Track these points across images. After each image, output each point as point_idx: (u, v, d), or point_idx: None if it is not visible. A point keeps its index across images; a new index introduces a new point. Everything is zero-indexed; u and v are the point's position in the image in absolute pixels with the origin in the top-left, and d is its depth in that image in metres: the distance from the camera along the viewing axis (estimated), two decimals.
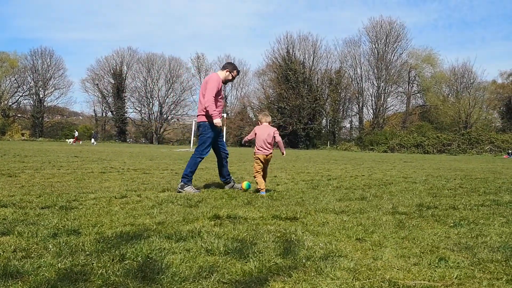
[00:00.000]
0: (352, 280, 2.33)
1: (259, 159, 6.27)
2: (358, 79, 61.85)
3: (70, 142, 44.63)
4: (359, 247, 3.07)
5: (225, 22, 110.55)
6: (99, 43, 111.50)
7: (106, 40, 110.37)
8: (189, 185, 6.18)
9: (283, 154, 6.71)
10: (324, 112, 59.95)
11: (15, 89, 67.79)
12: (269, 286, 2.24)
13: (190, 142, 46.42)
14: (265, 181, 6.35)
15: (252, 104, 66.01)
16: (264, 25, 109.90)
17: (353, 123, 64.86)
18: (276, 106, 57.31)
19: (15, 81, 67.33)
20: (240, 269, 2.49)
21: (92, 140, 48.12)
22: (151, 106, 70.98)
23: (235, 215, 4.17)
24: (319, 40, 69.68)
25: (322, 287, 2.21)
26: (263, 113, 6.65)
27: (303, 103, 55.51)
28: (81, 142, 45.81)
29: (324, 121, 61.37)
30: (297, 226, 3.75)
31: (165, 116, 71.45)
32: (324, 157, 23.05)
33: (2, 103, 65.96)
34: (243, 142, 7.16)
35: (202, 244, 3.00)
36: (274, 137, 6.34)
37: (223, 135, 6.72)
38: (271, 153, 6.35)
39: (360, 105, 62.17)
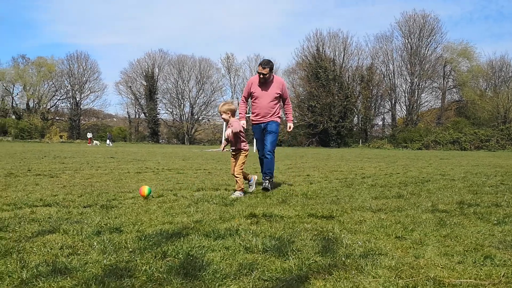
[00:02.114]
0: (394, 278, 2.30)
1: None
2: (390, 75, 60.76)
3: (108, 144, 45.71)
4: (399, 245, 3.03)
5: (254, 22, 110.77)
6: (132, 46, 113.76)
7: (138, 43, 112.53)
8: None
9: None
10: (355, 110, 59.21)
11: (53, 93, 70.04)
12: (310, 284, 2.24)
13: (221, 142, 46.80)
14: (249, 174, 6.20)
15: None
16: (293, 24, 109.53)
17: (385, 120, 63.84)
18: (306, 105, 57.00)
19: (53, 85, 69.59)
20: (280, 267, 2.50)
21: (108, 141, 49.13)
22: (182, 107, 71.90)
23: (271, 213, 4.18)
24: (349, 36, 68.66)
25: (365, 285, 2.19)
26: (234, 104, 6.06)
27: (334, 101, 54.98)
28: (94, 143, 46.80)
29: (355, 119, 60.63)
30: (334, 224, 3.72)
31: (196, 116, 72.20)
32: (356, 155, 22.79)
33: (41, 107, 68.27)
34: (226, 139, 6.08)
35: (241, 242, 3.02)
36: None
37: (273, 140, 6.59)
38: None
39: (393, 102, 61.06)
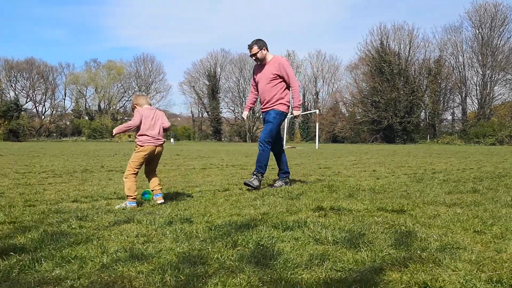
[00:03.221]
0: (476, 271, 2.17)
1: (147, 152, 4.69)
2: (460, 67, 57.70)
3: (171, 142, 47.28)
4: (479, 239, 2.86)
5: (315, 18, 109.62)
6: (195, 47, 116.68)
7: (201, 43, 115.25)
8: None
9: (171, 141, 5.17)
10: (422, 105, 56.85)
11: (122, 94, 73.46)
12: (385, 275, 2.17)
13: (283, 140, 46.79)
14: (159, 184, 4.86)
15: (344, 99, 64.71)
16: (355, 18, 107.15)
17: (455, 115, 60.68)
18: (370, 100, 55.58)
19: (122, 86, 73.00)
20: (352, 258, 2.45)
21: (171, 140, 50.62)
22: (243, 105, 72.67)
23: (339, 207, 4.11)
24: (415, 29, 66.24)
25: (444, 278, 2.09)
26: (140, 95, 5.19)
27: (399, 96, 53.15)
28: None
29: (422, 114, 58.22)
30: (406, 218, 3.59)
31: (257, 114, 72.73)
32: (424, 151, 21.90)
33: (111, 108, 71.88)
34: (114, 134, 5.06)
35: (310, 234, 2.99)
36: (163, 123, 4.88)
37: (267, 128, 5.94)
38: (162, 144, 4.88)
39: (463, 95, 57.93)
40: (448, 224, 3.34)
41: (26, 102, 68.75)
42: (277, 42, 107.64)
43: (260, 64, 6.03)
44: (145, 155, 4.67)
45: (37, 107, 71.49)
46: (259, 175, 5.86)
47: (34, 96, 70.56)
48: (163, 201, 4.67)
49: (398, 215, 3.75)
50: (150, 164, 4.83)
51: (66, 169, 9.13)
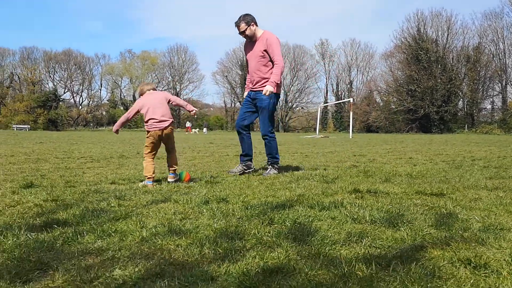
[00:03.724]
0: None
1: (153, 137, 4.76)
2: (500, 54, 55.58)
3: (204, 132, 47.83)
4: None
5: (349, 5, 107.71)
6: (228, 36, 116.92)
7: (234, 33, 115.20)
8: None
9: (192, 111, 5.08)
10: (460, 93, 55.19)
11: (156, 84, 74.53)
12: (426, 252, 2.12)
13: (315, 129, 46.45)
14: (173, 165, 4.92)
15: (379, 88, 63.56)
16: (390, 5, 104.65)
17: (495, 104, 58.61)
18: (405, 89, 54.36)
19: (156, 76, 74.25)
20: (391, 236, 2.40)
21: (204, 129, 51.10)
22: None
23: (376, 189, 4.04)
24: (453, 15, 64.18)
25: (488, 256, 2.02)
26: (142, 83, 5.18)
27: (436, 84, 51.74)
28: (193, 131, 48.77)
29: (460, 103, 56.53)
30: (446, 201, 3.49)
31: (290, 104, 72.44)
32: (462, 140, 21.28)
33: None
34: (114, 131, 5.30)
35: (347, 213, 2.96)
36: (170, 100, 4.91)
37: (264, 120, 5.67)
38: (170, 125, 4.82)
39: (503, 84, 55.82)
40: (490, 207, 3.23)
41: (64, 93, 71.00)
42: (309, 30, 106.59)
43: (251, 41, 5.63)
44: (152, 139, 4.78)
45: (75, 98, 73.65)
46: (275, 165, 5.77)
47: (72, 86, 72.73)
48: (172, 180, 4.80)
49: (437, 198, 3.66)
50: (165, 146, 4.97)
51: (103, 155, 9.36)
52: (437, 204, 3.34)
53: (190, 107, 5.09)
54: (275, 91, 5.46)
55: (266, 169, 5.84)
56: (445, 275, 1.81)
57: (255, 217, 2.87)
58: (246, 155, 5.86)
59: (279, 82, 5.47)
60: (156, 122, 4.73)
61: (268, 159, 5.82)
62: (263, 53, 5.44)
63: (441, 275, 1.80)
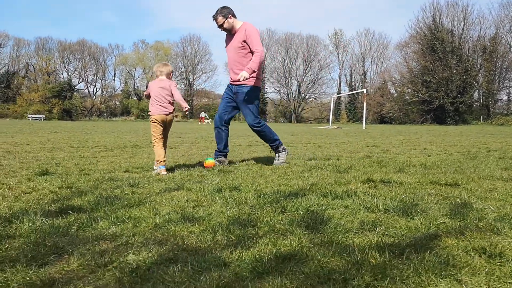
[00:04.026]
0: None
1: (157, 120, 4.93)
2: None
3: (209, 122, 48.03)
4: None
5: None
6: None
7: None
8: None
9: (185, 108, 5.07)
10: (476, 84, 54.33)
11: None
12: (440, 241, 2.10)
13: (328, 120, 46.25)
14: (165, 151, 4.99)
15: (393, 78, 62.87)
16: None
17: (511, 95, 57.67)
18: (420, 80, 53.64)
19: None
20: (405, 225, 2.38)
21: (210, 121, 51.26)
22: (289, 85, 72.21)
23: (389, 179, 4.02)
24: (470, 4, 63.19)
25: (504, 245, 1.99)
26: (159, 63, 5.27)
27: (452, 75, 50.98)
28: (205, 122, 48.91)
29: (476, 94, 55.67)
30: (461, 191, 3.45)
31: (303, 95, 72.10)
32: (477, 132, 20.99)
33: None
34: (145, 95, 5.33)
35: (360, 202, 2.94)
36: (172, 94, 5.02)
37: (249, 112, 5.47)
38: (171, 113, 5.03)
39: None
40: (505, 197, 3.20)
41: (79, 83, 71.56)
42: (323, 20, 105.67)
43: (230, 34, 5.49)
44: (157, 123, 4.93)
45: (89, 88, 74.21)
46: (279, 148, 5.64)
47: (86, 77, 73.29)
48: (165, 173, 4.68)
49: (452, 188, 3.62)
50: (162, 132, 5.01)
51: (117, 144, 9.44)
52: (452, 194, 3.31)
53: (184, 104, 5.09)
54: (249, 78, 5.20)
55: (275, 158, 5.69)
56: (460, 264, 1.79)
57: (268, 205, 2.87)
58: (221, 151, 5.69)
59: (256, 70, 5.21)
60: (161, 107, 4.94)
61: (270, 146, 5.73)
62: (242, 44, 5.28)
63: (455, 264, 1.79)
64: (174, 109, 5.06)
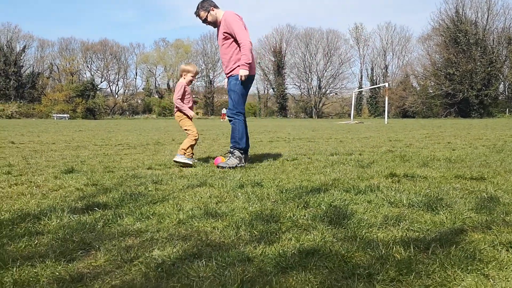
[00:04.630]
0: None
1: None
2: None
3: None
4: None
5: None
6: (261, 23, 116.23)
7: (266, 19, 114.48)
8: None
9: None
10: (501, 76, 53.08)
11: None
12: (466, 235, 2.07)
13: (349, 115, 45.87)
14: (182, 148, 5.21)
15: (415, 72, 61.90)
16: None
17: None
18: (443, 73, 52.68)
19: None
20: (430, 220, 2.36)
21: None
22: (309, 81, 71.80)
23: (413, 174, 3.97)
24: None
25: None
26: (187, 64, 5.43)
27: (476, 68, 49.92)
28: (226, 118, 49.09)
29: (501, 86, 54.39)
30: (487, 185, 3.39)
31: (323, 90, 71.62)
32: (503, 125, 20.52)
33: None
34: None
35: (383, 197, 2.92)
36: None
37: (232, 100, 5.25)
38: (176, 112, 5.50)
39: None
40: None
41: (101, 82, 72.53)
42: (343, 14, 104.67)
43: (216, 27, 5.29)
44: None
45: (111, 87, 75.23)
46: (235, 150, 5.05)
47: (108, 76, 74.27)
48: (175, 159, 5.09)
49: (478, 182, 3.56)
50: None
51: (139, 142, 9.56)
52: (478, 188, 3.25)
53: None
54: (244, 72, 4.98)
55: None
56: (486, 258, 1.76)
57: (290, 201, 2.88)
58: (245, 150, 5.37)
59: (249, 61, 4.98)
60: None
61: (231, 143, 5.18)
62: (224, 35, 5.06)
63: (482, 258, 1.76)
64: (177, 109, 5.48)
